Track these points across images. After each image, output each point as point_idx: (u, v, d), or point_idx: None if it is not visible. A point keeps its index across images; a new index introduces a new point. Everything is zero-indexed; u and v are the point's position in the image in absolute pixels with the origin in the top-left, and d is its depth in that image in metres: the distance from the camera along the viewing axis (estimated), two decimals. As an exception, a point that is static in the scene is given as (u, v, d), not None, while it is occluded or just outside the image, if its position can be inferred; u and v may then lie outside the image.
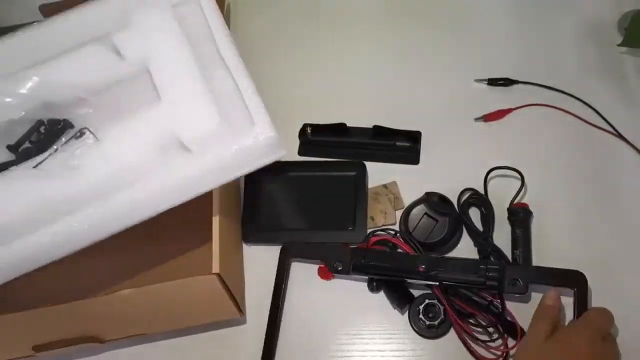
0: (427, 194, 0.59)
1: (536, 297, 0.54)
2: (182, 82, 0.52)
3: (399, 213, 0.60)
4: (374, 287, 0.57)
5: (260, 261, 0.60)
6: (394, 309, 0.56)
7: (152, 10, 0.54)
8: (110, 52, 0.53)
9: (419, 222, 0.57)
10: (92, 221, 0.48)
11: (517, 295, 0.53)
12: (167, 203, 0.49)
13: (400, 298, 0.56)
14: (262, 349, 0.56)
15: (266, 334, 0.56)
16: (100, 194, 0.48)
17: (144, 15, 0.54)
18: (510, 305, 0.53)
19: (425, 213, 0.57)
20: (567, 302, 0.53)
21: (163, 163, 0.49)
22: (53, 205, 0.48)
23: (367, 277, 0.57)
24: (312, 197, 0.62)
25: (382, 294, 0.57)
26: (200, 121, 0.50)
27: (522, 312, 0.53)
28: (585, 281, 0.52)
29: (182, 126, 0.50)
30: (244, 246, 0.62)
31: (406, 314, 0.56)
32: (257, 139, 0.50)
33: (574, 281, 0.53)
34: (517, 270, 0.53)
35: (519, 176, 0.59)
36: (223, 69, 0.52)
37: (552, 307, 0.51)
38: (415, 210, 0.58)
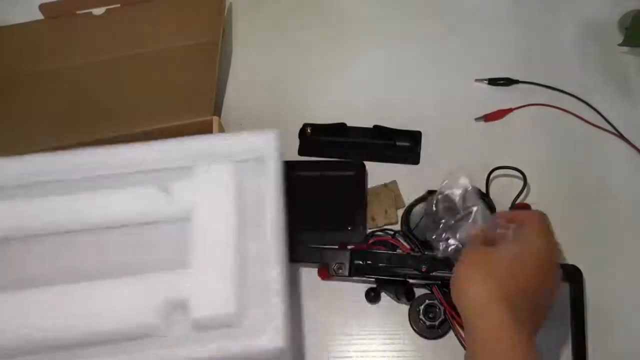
0: (429, 192, 0.58)
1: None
2: (215, 251, 0.47)
3: (400, 212, 0.60)
4: (372, 297, 0.56)
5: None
6: (399, 302, 0.56)
7: (214, 166, 0.51)
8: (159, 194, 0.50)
9: (420, 220, 0.57)
10: None
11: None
12: None
13: (407, 291, 0.55)
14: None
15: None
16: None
17: (204, 167, 0.51)
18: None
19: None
20: (563, 296, 0.54)
21: (162, 333, 0.45)
22: None
23: (365, 283, 0.57)
24: (311, 197, 0.61)
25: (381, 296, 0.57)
26: (215, 303, 0.45)
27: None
28: (581, 275, 0.53)
29: (196, 299, 0.45)
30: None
31: (406, 315, 0.56)
32: (264, 347, 0.45)
33: (570, 275, 0.53)
34: None
35: (521, 176, 0.59)
36: (259, 242, 0.48)
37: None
38: (416, 209, 0.58)
